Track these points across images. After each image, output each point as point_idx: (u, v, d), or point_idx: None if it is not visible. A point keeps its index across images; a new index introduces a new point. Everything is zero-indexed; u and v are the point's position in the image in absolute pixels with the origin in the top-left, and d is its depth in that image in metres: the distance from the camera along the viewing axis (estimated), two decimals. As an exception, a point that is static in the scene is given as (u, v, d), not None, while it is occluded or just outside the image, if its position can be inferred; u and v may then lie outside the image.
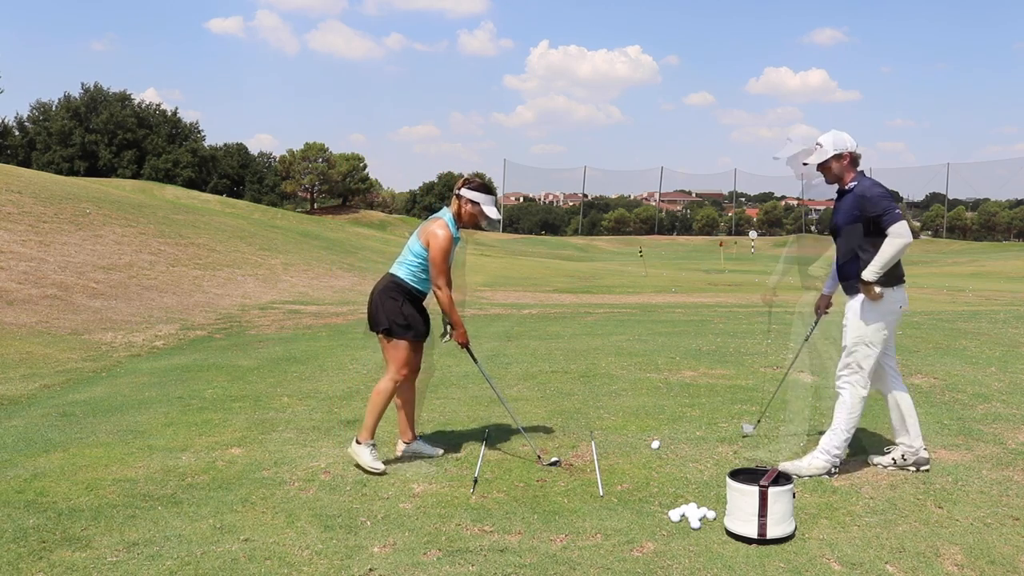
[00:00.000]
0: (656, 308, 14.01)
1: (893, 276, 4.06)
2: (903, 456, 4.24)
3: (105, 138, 65.36)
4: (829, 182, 4.25)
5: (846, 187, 4.18)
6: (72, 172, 59.24)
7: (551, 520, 3.56)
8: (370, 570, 3.08)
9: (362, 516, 3.60)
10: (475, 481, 4.01)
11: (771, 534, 3.30)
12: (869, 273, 3.99)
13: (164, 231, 18.13)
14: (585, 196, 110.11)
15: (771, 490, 3.32)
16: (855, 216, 4.07)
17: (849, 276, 4.15)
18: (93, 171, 61.75)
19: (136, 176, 60.91)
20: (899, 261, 4.05)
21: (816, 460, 4.18)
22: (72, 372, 7.26)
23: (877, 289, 4.01)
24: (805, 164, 4.22)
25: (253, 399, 5.94)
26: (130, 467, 4.30)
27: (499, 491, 3.91)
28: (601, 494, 3.87)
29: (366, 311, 4.36)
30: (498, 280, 23.01)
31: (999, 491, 3.90)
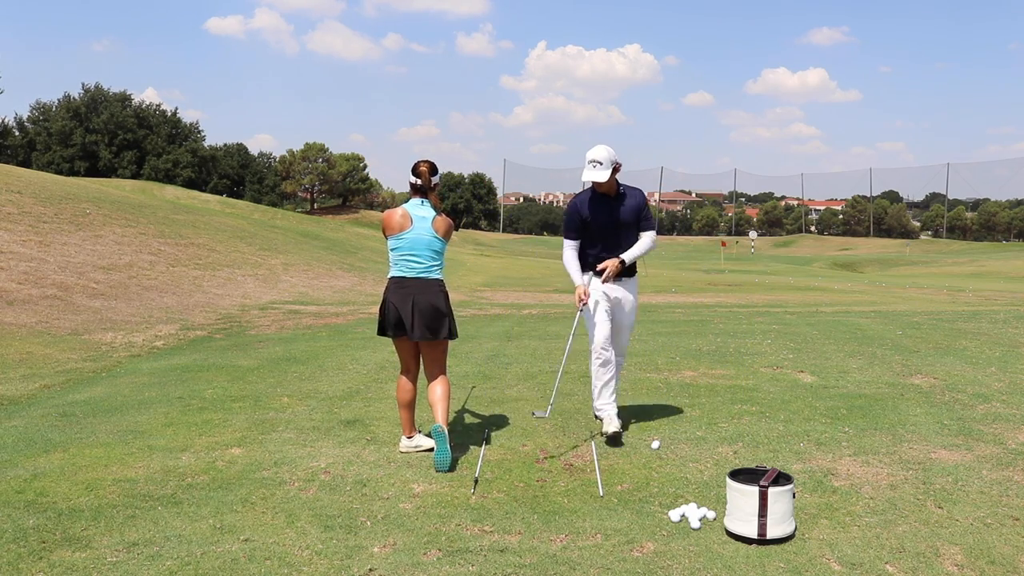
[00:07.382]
0: (656, 308, 14.01)
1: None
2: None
3: (105, 138, 65.40)
4: (603, 191, 4.87)
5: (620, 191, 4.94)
6: (72, 172, 59.33)
7: (551, 520, 3.56)
8: (370, 570, 3.08)
9: (362, 516, 3.60)
10: (475, 481, 4.01)
11: (771, 534, 3.30)
12: (628, 256, 4.97)
13: (164, 231, 18.13)
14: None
15: (771, 490, 3.32)
16: (637, 214, 4.94)
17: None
18: (93, 171, 61.83)
19: (136, 176, 60.98)
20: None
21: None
22: (72, 372, 7.26)
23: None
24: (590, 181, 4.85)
25: (253, 399, 5.94)
26: (130, 467, 4.30)
27: (499, 491, 3.91)
28: (601, 494, 3.87)
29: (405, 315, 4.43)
30: (498, 280, 23.01)
31: (999, 491, 3.90)
